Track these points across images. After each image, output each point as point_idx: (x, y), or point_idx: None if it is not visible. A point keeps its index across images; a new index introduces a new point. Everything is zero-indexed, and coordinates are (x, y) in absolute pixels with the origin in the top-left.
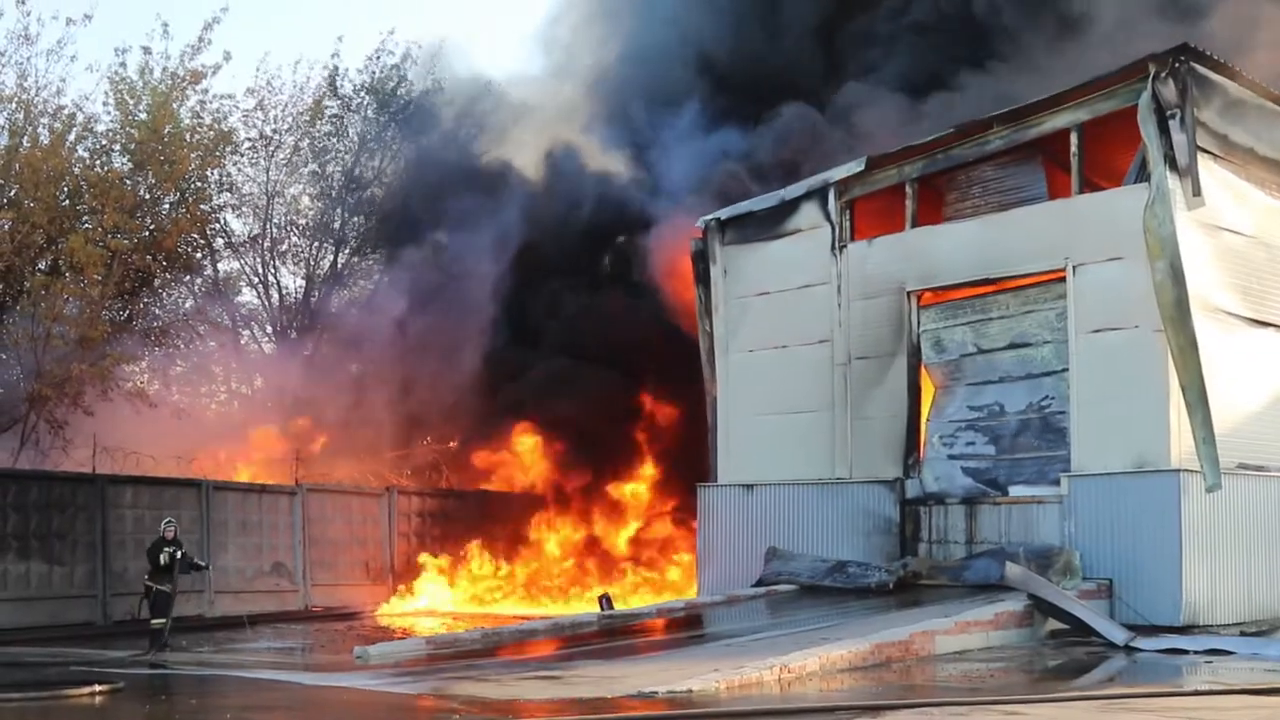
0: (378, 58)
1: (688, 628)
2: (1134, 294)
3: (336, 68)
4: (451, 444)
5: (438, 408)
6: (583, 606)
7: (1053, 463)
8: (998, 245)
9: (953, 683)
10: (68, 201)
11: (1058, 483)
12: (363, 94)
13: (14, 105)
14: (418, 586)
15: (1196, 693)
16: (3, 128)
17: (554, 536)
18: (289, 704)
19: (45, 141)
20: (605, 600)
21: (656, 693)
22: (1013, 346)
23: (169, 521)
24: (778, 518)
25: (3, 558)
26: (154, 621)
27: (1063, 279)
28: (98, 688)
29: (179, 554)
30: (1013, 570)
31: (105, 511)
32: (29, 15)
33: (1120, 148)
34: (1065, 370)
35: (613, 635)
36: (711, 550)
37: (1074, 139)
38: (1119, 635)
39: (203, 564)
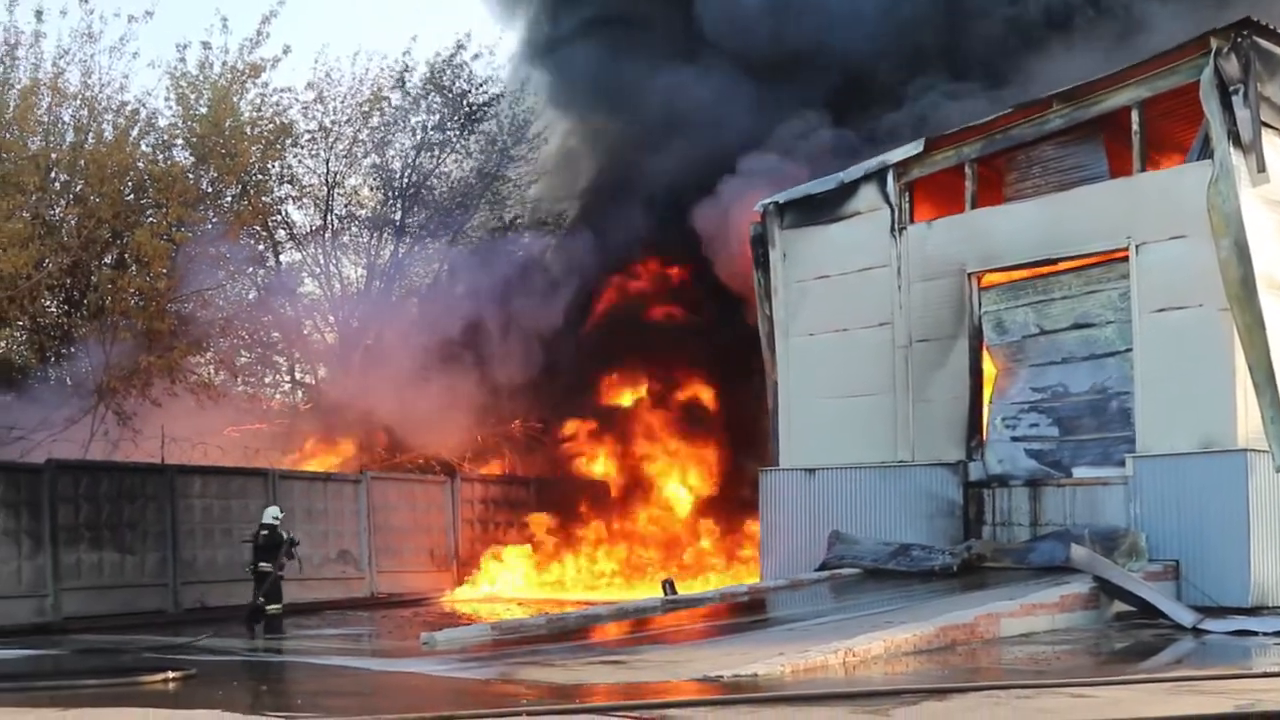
0: (451, 58)
1: (751, 612)
2: (1198, 272)
3: (407, 65)
4: (515, 422)
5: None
6: (646, 591)
7: (1117, 444)
8: (1059, 225)
9: (1019, 665)
10: (132, 196)
11: (1122, 464)
12: (428, 88)
13: (79, 102)
14: (482, 572)
15: (1266, 675)
16: (69, 125)
17: (617, 521)
18: (358, 689)
19: (109, 137)
20: (669, 585)
21: (721, 677)
22: (1075, 327)
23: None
24: (840, 501)
25: (76, 547)
26: (273, 607)
27: (1125, 258)
28: (171, 674)
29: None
30: (1078, 552)
31: (174, 501)
32: (92, 14)
33: (1182, 124)
34: (1129, 350)
35: (676, 620)
36: (774, 535)
37: (1135, 116)
38: (1186, 617)
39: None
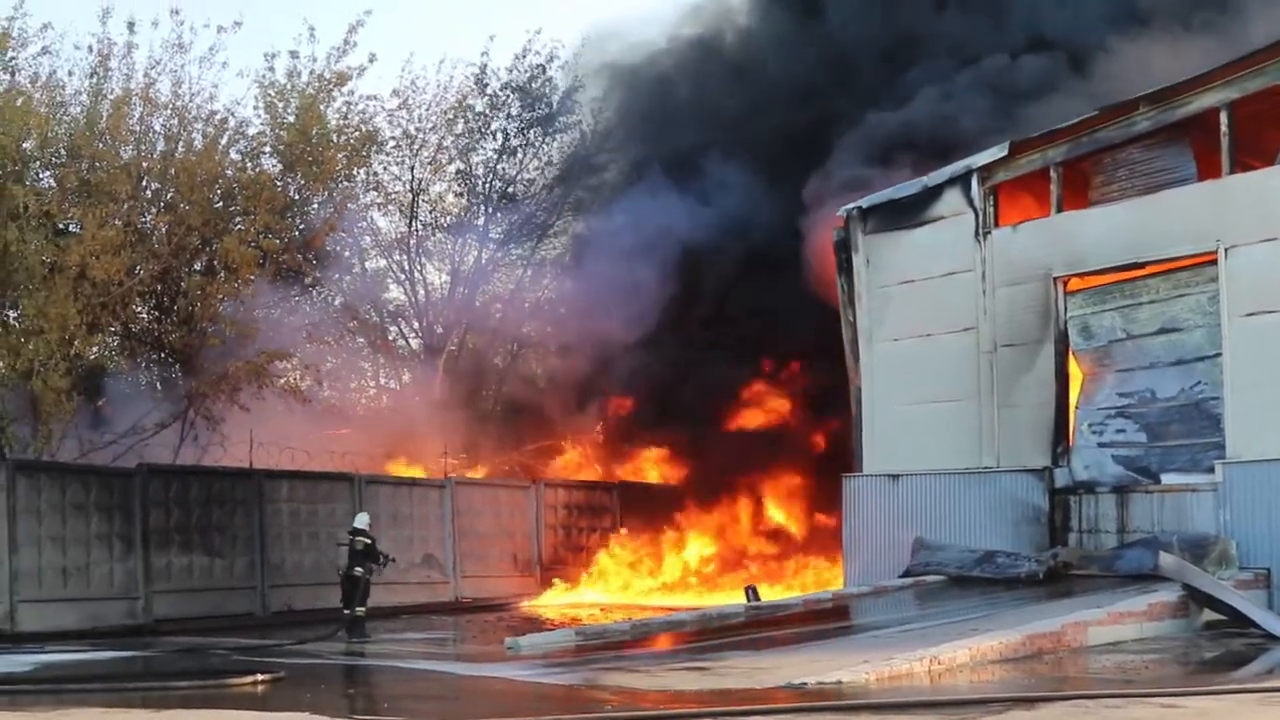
0: (524, 56)
1: (835, 619)
2: None
3: (485, 66)
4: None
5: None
6: (729, 598)
7: (1206, 450)
8: (1146, 228)
9: (1107, 674)
10: (221, 204)
11: (1212, 470)
12: (508, 93)
13: (169, 112)
14: (565, 578)
15: None
16: (159, 134)
17: (700, 527)
18: (443, 693)
19: (199, 146)
20: (752, 591)
21: (806, 684)
22: (1163, 331)
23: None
24: (924, 508)
25: (167, 551)
26: (359, 609)
27: (1214, 261)
28: (260, 676)
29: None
30: (1167, 560)
31: (262, 505)
32: (182, 24)
33: (1272, 126)
34: (1218, 355)
35: (760, 626)
36: (857, 541)
37: (1224, 118)
38: (1278, 626)
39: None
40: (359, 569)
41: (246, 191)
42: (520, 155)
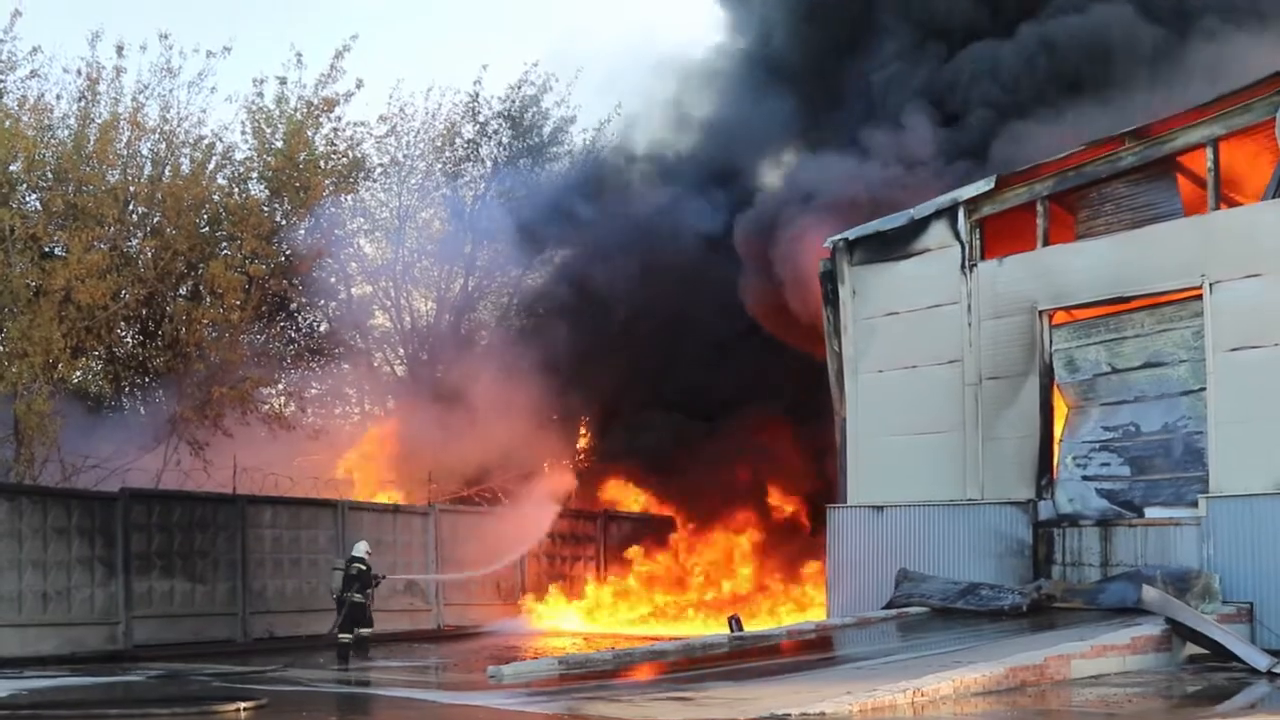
0: (519, 88)
1: (818, 649)
2: (1274, 311)
3: (478, 95)
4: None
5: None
6: (713, 627)
7: (1190, 484)
8: (1131, 263)
9: (1089, 708)
10: (207, 229)
11: (1195, 504)
12: (499, 120)
13: (157, 136)
14: (549, 606)
15: None
16: (147, 158)
17: (683, 556)
18: None
19: (186, 171)
20: (735, 621)
21: (789, 715)
22: (1148, 366)
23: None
24: (908, 539)
25: (148, 576)
26: (345, 635)
27: (1199, 297)
28: (243, 704)
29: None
30: (1150, 593)
31: (245, 531)
32: (171, 49)
33: (1258, 162)
34: (1202, 390)
35: (743, 656)
36: (841, 572)
37: (1209, 154)
38: (1261, 661)
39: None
40: (357, 596)
41: (233, 216)
42: (509, 184)
